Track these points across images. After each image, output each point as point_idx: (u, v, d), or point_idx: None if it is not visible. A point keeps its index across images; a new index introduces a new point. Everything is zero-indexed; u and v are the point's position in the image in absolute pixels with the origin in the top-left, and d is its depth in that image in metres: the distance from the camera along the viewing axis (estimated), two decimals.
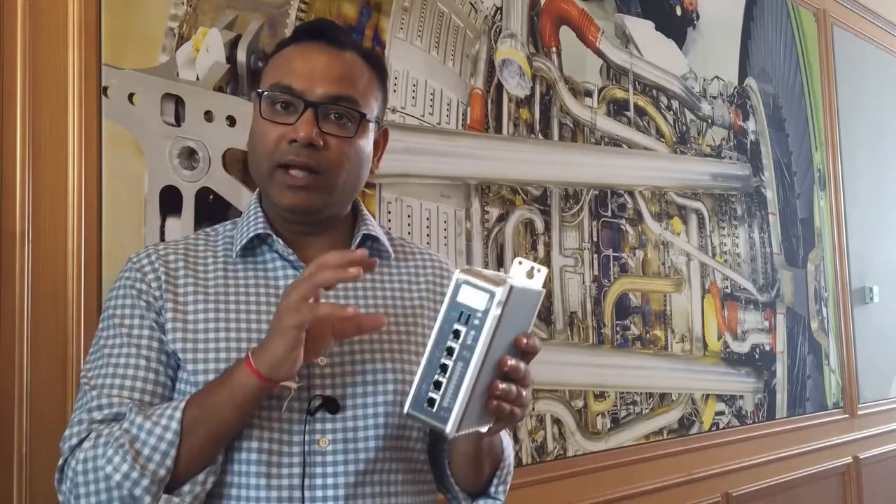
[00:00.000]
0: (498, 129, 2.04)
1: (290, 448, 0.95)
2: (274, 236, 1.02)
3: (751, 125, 2.97)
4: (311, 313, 0.85)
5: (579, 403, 2.17)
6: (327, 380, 0.97)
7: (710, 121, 2.78)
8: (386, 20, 1.81)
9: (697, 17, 2.76)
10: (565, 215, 2.19)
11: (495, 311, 0.78)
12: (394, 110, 1.81)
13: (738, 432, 2.72)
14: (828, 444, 3.15)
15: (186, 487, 0.90)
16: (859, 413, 3.36)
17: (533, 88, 2.14)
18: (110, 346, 0.97)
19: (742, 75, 2.95)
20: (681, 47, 2.69)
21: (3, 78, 1.29)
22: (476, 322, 0.79)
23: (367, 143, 1.03)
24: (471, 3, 2.01)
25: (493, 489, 1.06)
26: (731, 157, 2.85)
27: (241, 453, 0.94)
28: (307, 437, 0.95)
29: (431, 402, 0.79)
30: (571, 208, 2.22)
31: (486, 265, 1.96)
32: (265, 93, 1.00)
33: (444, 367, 0.79)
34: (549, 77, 2.19)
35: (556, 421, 2.10)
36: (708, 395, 2.62)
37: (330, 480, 0.95)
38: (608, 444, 2.25)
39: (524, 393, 0.87)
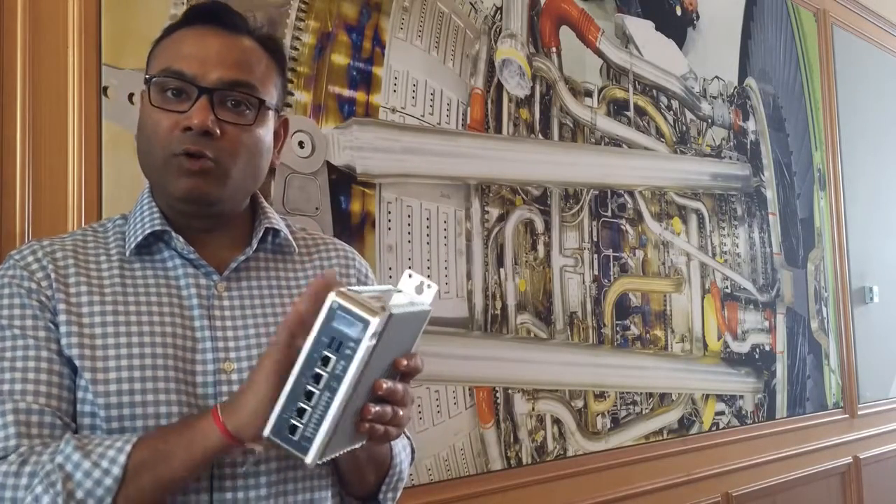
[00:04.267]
0: (498, 129, 2.04)
1: None
2: (172, 233, 0.94)
3: (751, 125, 2.97)
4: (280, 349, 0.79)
5: (579, 403, 2.17)
6: (235, 387, 0.90)
7: (710, 121, 2.78)
8: (386, 20, 1.82)
9: (697, 17, 2.76)
10: (565, 215, 2.19)
11: (369, 343, 0.72)
12: (394, 110, 1.81)
13: (738, 432, 2.72)
14: (828, 444, 3.15)
15: None
16: (859, 413, 3.36)
17: (533, 88, 2.14)
18: (4, 350, 0.87)
19: (742, 75, 2.95)
20: (681, 47, 2.69)
21: (3, 78, 1.29)
22: (347, 352, 0.73)
23: (266, 132, 0.96)
24: (471, 3, 2.01)
25: (381, 496, 1.01)
26: (731, 157, 2.85)
27: None
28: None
29: (293, 429, 0.74)
30: (571, 208, 2.22)
31: (486, 265, 1.96)
32: (153, 78, 0.92)
33: (309, 395, 0.73)
34: (549, 77, 2.19)
35: (556, 421, 2.10)
36: (708, 395, 2.62)
37: (241, 495, 0.89)
38: (608, 444, 2.25)
39: (401, 413, 0.82)
